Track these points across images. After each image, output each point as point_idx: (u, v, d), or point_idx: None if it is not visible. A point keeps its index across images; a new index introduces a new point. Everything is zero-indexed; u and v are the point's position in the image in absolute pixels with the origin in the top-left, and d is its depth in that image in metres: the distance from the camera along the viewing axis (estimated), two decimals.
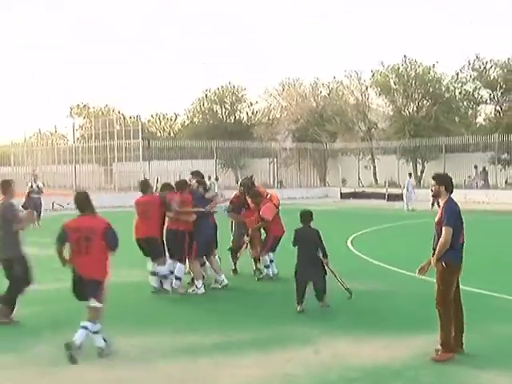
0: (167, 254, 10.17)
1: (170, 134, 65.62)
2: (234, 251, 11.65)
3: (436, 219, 6.75)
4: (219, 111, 56.10)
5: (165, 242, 10.19)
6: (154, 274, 10.09)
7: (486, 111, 44.05)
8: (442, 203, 6.82)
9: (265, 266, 11.36)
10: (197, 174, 11.04)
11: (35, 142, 49.68)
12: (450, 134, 39.83)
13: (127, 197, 32.25)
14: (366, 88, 46.13)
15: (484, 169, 37.61)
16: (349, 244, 16.06)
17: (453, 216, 6.60)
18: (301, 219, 8.95)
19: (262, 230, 11.57)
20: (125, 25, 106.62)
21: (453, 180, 7.00)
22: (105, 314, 7.01)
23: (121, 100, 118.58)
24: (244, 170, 46.58)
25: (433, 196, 7.09)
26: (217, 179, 34.70)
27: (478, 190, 35.19)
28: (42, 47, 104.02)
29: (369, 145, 45.27)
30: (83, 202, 7.03)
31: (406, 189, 29.26)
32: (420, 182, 40.64)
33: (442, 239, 6.55)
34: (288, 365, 6.56)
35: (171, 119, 68.00)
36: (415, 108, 43.53)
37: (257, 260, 11.60)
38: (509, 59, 40.33)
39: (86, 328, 6.75)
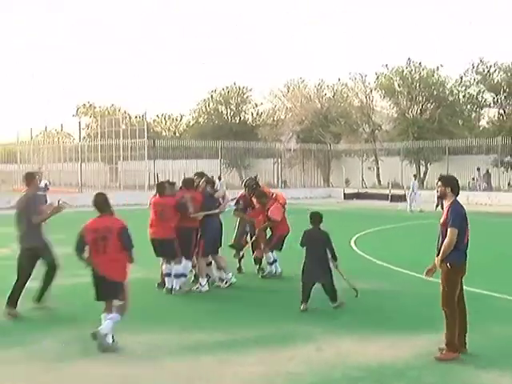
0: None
1: (175, 133, 65.74)
2: (237, 249, 11.62)
3: (441, 220, 6.77)
4: (224, 112, 56.20)
5: None
6: (168, 274, 10.06)
7: (490, 114, 44.12)
8: (446, 205, 6.85)
9: (268, 263, 11.39)
10: (201, 175, 10.89)
11: (41, 140, 49.69)
12: (453, 136, 39.79)
13: (134, 195, 32.66)
14: (371, 90, 46.23)
15: (487, 171, 37.65)
16: (352, 244, 16.09)
17: (458, 217, 6.64)
18: (310, 220, 8.99)
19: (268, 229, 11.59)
20: (129, 25, 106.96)
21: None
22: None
23: (127, 100, 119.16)
24: (248, 170, 46.62)
25: (438, 197, 7.14)
26: (219, 178, 34.72)
27: (480, 192, 35.21)
28: (43, 47, 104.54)
29: (372, 146, 45.25)
30: (102, 203, 7.23)
31: (411, 190, 29.26)
32: (423, 183, 40.64)
33: (446, 240, 6.59)
34: (291, 363, 6.59)
35: (176, 119, 68.16)
36: (419, 110, 43.52)
37: (258, 261, 11.59)
38: None
39: (111, 319, 6.90)
